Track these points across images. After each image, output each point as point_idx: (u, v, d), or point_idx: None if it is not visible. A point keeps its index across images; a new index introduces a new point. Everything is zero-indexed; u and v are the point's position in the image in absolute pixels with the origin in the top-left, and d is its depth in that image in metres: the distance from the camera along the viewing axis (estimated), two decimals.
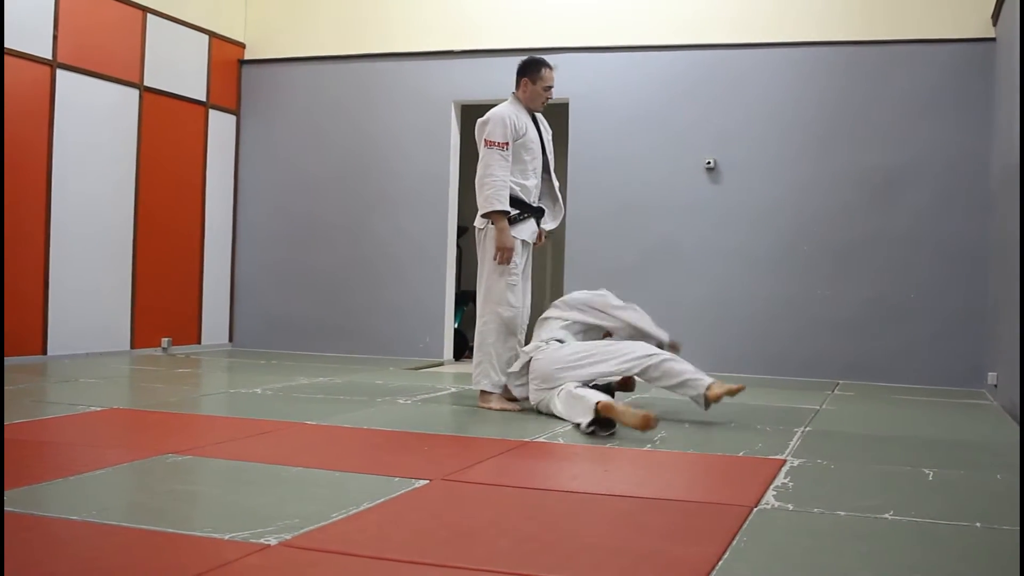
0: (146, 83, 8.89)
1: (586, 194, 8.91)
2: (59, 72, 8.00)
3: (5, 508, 3.05)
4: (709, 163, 8.49)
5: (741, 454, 4.52)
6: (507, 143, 5.78)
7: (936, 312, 8.06)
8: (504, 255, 5.78)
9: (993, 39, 7.94)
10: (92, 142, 8.38)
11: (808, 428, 5.37)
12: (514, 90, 6.03)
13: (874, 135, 8.25)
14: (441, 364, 9.12)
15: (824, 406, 6.43)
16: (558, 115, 9.42)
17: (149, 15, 8.91)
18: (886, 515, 3.33)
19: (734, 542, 2.94)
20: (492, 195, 5.74)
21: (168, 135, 9.20)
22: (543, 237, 6.15)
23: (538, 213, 6.04)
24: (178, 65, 9.33)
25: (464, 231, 9.97)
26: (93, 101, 8.36)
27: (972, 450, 4.90)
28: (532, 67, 5.98)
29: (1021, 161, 5.69)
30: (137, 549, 2.77)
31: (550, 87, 6.00)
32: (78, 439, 4.61)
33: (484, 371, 5.88)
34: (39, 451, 4.26)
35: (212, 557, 2.67)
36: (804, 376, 8.23)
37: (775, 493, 3.64)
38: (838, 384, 7.85)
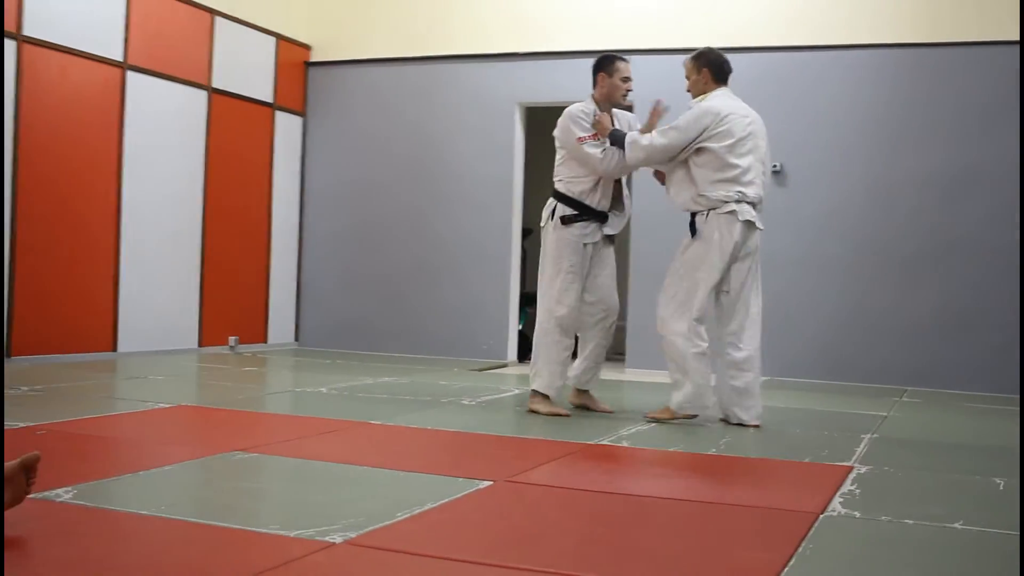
0: (214, 85, 9.01)
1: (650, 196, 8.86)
2: (129, 74, 8.13)
3: (75, 502, 3.11)
4: (776, 167, 8.27)
5: (807, 460, 4.47)
6: (591, 135, 5.66)
7: (1004, 319, 7.89)
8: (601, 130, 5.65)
9: None
10: (161, 143, 8.49)
11: (875, 435, 5.30)
12: (592, 91, 5.88)
13: (938, 139, 8.10)
14: (505, 366, 9.12)
15: (891, 413, 6.34)
16: None
17: (217, 18, 9.02)
18: (955, 524, 3.28)
19: (799, 549, 2.90)
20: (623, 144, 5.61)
21: (236, 136, 9.31)
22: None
23: (600, 218, 5.79)
24: (245, 67, 9.44)
25: (529, 233, 9.96)
26: (162, 103, 8.48)
27: None
28: (606, 61, 5.87)
29: None
30: (204, 545, 2.81)
31: (627, 78, 5.83)
32: (146, 435, 4.69)
33: (537, 371, 5.77)
34: (108, 446, 4.34)
35: (278, 554, 2.69)
36: (870, 383, 8.12)
37: (841, 500, 3.59)
38: (905, 391, 7.73)
